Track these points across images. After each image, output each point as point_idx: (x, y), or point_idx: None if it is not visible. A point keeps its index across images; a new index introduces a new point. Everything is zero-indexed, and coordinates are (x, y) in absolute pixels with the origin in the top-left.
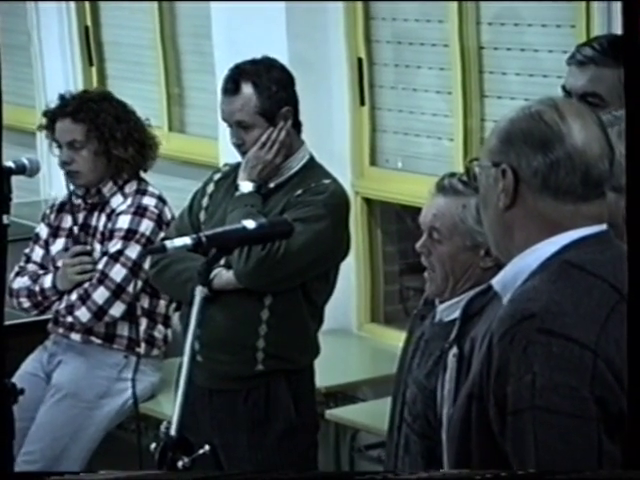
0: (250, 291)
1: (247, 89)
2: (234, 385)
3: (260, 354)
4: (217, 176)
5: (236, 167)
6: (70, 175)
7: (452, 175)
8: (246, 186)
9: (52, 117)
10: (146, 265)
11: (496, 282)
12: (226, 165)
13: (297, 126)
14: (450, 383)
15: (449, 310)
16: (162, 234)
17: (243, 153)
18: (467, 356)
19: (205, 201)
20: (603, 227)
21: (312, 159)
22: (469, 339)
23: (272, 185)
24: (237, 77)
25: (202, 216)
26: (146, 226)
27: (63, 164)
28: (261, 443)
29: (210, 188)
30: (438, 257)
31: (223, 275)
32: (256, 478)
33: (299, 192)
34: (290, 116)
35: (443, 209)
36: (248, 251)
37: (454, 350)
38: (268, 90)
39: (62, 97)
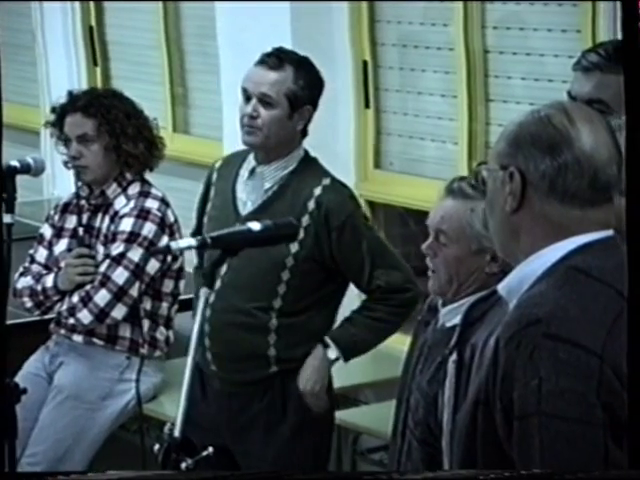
0: (259, 304)
1: (289, 70)
2: (249, 387)
3: (272, 359)
4: (218, 164)
5: (237, 154)
6: (78, 170)
7: (462, 179)
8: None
9: (61, 112)
10: (149, 267)
11: (502, 287)
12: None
13: (304, 132)
14: (449, 390)
15: (451, 314)
16: (165, 237)
17: (249, 127)
18: (467, 363)
19: (212, 192)
20: (609, 233)
21: (307, 154)
22: (469, 345)
23: (275, 188)
24: (283, 56)
25: (208, 207)
26: (149, 229)
27: (72, 159)
28: (277, 439)
29: (214, 177)
30: (444, 260)
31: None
32: (266, 478)
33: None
34: (307, 118)
35: (451, 212)
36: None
37: (454, 357)
38: (305, 81)
39: (70, 93)
